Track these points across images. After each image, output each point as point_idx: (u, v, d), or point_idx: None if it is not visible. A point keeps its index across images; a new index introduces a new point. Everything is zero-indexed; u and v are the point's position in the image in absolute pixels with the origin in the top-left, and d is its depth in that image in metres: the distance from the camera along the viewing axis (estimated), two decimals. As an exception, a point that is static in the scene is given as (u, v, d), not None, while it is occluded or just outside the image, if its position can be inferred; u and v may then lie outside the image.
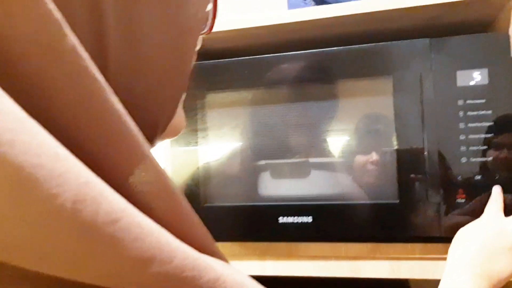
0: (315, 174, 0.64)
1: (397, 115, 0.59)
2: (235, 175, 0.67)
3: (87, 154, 0.18)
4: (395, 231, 0.59)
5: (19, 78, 0.16)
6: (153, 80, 0.24)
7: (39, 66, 0.16)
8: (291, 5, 0.86)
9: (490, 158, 0.55)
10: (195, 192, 0.66)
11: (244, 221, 0.65)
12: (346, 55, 0.61)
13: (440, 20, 0.64)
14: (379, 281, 0.62)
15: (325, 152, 0.63)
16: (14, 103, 0.15)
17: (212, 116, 0.67)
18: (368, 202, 0.61)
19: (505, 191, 0.55)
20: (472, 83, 0.56)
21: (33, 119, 0.15)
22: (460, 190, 0.56)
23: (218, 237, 0.66)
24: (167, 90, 0.25)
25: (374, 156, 0.60)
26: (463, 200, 0.56)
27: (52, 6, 0.16)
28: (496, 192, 0.55)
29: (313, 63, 0.63)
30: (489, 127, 0.56)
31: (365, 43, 0.61)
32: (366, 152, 0.61)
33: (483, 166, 0.56)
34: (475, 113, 0.56)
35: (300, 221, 0.62)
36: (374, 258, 0.61)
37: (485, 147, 0.56)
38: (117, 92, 0.19)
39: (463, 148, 0.56)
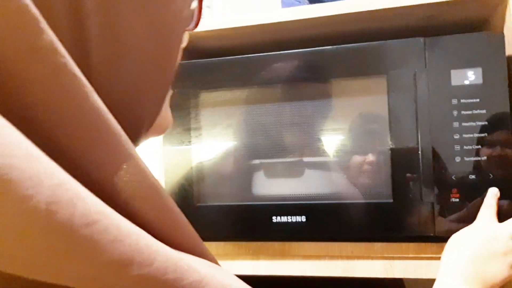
0: (309, 173, 0.63)
1: (391, 115, 0.58)
2: (229, 175, 0.66)
3: (66, 154, 0.17)
4: (389, 231, 0.59)
5: None
6: (136, 77, 0.23)
7: (14, 63, 0.15)
8: (285, 4, 0.86)
9: (484, 158, 0.55)
10: (189, 191, 0.66)
11: (238, 221, 0.65)
12: (340, 54, 0.61)
13: (435, 19, 0.64)
14: (373, 280, 0.62)
15: (319, 152, 0.63)
16: None
17: (206, 115, 0.66)
18: (362, 201, 0.60)
19: (499, 190, 0.55)
20: (466, 82, 0.56)
21: (3, 118, 0.15)
22: (454, 190, 0.56)
23: (212, 237, 0.66)
24: (151, 87, 0.25)
25: (370, 157, 0.60)
26: (457, 200, 0.56)
27: (28, 1, 0.16)
28: (490, 196, 0.54)
29: (307, 62, 0.63)
30: (483, 126, 0.55)
31: (359, 42, 0.60)
32: (360, 151, 0.61)
33: (477, 166, 0.56)
34: (469, 112, 0.56)
35: (293, 221, 0.61)
36: (368, 257, 0.61)
37: (479, 146, 0.55)
38: (98, 90, 0.19)
39: (457, 148, 0.56)
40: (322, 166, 0.63)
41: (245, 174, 0.65)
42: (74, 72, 0.17)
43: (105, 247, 0.16)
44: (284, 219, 0.62)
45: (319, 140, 0.63)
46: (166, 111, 0.28)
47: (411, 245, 0.60)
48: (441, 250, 0.54)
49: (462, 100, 0.56)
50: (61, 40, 0.17)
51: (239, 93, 0.65)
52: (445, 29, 0.65)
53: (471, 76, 0.56)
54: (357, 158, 0.61)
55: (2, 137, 0.14)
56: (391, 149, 0.58)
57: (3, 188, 0.14)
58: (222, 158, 0.66)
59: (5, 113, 0.15)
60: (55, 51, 0.17)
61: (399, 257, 0.60)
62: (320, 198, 0.62)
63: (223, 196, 0.66)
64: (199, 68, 0.66)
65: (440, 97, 0.57)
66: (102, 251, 0.16)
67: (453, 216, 0.56)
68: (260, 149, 0.64)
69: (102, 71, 0.21)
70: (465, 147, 0.56)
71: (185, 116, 0.66)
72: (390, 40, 0.59)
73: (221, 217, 0.65)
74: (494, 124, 0.55)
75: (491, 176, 0.55)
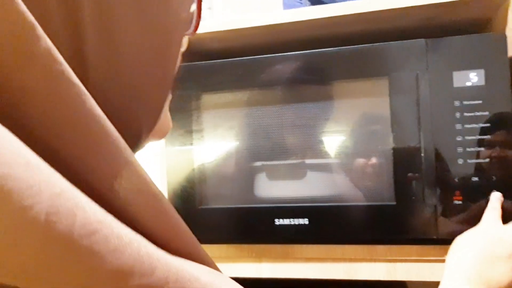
0: (311, 175, 0.63)
1: (393, 117, 0.58)
2: (231, 177, 0.66)
3: (65, 162, 0.17)
4: (392, 233, 0.59)
5: None
6: (135, 82, 0.23)
7: (11, 70, 0.15)
8: (286, 5, 0.85)
9: (486, 160, 0.55)
10: (191, 194, 0.66)
11: (240, 223, 0.65)
12: (342, 56, 0.61)
13: (436, 21, 0.64)
14: (376, 283, 0.62)
15: (321, 154, 0.63)
16: None
17: (208, 117, 0.66)
18: (364, 203, 0.60)
19: (501, 192, 0.54)
20: (468, 83, 0.56)
21: (1, 126, 0.14)
22: (457, 192, 0.56)
23: (214, 239, 0.66)
24: (150, 92, 0.25)
25: (373, 159, 0.59)
26: (459, 202, 0.56)
27: (24, 8, 0.16)
28: (495, 198, 0.54)
29: (309, 63, 0.63)
30: (486, 128, 0.55)
31: (361, 44, 0.60)
32: (362, 153, 0.60)
33: (480, 168, 0.55)
34: (471, 114, 0.55)
35: (296, 223, 0.61)
36: (370, 260, 0.61)
37: (482, 148, 0.55)
38: (96, 97, 0.19)
39: (459, 149, 0.56)
40: (324, 168, 0.63)
41: (247, 177, 0.65)
42: (71, 80, 0.17)
43: (105, 257, 0.16)
44: (286, 221, 0.62)
45: (321, 142, 0.62)
46: (165, 116, 0.28)
47: (414, 247, 0.59)
48: (444, 253, 0.54)
49: (464, 102, 0.56)
50: (58, 48, 0.17)
51: (241, 95, 0.65)
52: (447, 31, 0.65)
53: (474, 78, 0.56)
54: (359, 160, 0.61)
55: (1, 145, 0.14)
56: (394, 152, 0.58)
57: (1, 199, 0.14)
58: (224, 160, 0.66)
59: (2, 121, 0.15)
60: (52, 58, 0.16)
61: (402, 259, 0.60)
62: (322, 200, 0.62)
63: (225, 199, 0.66)
64: (200, 70, 0.66)
65: (442, 99, 0.56)
66: (102, 261, 0.16)
67: (456, 218, 0.56)
68: (262, 151, 0.64)
69: (99, 78, 0.21)
70: (467, 149, 0.55)
71: (186, 118, 0.66)
72: (391, 42, 0.59)
73: (224, 219, 0.65)
74: (497, 125, 0.55)
75: (494, 178, 0.55)
